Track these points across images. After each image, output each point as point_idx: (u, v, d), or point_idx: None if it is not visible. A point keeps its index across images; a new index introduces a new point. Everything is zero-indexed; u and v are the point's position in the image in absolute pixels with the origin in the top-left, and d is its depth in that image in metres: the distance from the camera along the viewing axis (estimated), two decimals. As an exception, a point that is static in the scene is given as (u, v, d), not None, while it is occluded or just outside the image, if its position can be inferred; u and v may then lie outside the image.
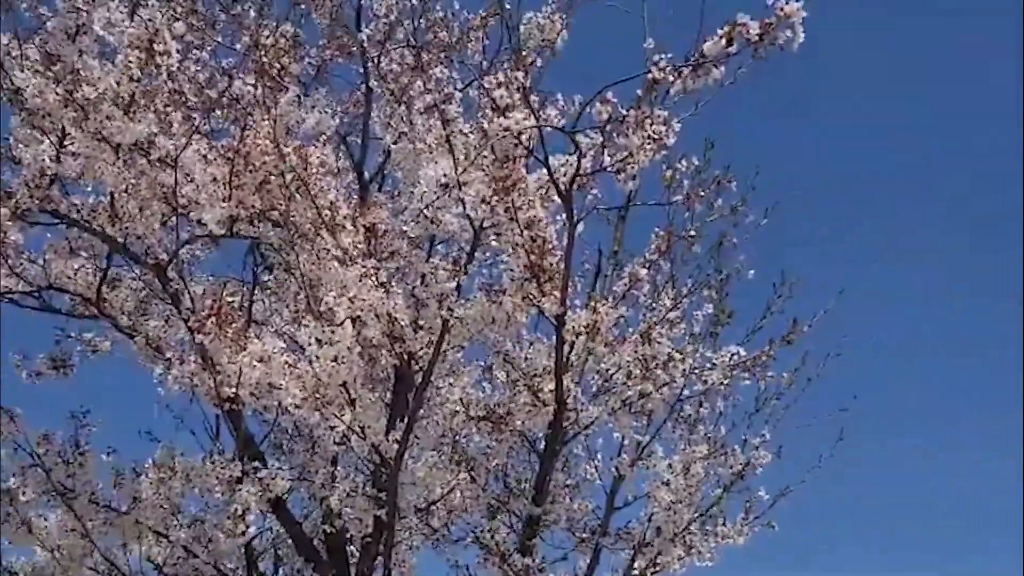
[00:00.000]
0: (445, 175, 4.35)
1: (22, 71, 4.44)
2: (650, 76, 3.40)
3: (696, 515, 5.34)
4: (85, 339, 5.56)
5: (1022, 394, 10.59)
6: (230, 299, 3.98)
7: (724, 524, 5.36)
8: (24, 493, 4.66)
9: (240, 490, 4.27)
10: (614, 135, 3.63)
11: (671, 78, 3.37)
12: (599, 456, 5.49)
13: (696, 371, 4.88)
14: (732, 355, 4.92)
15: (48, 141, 4.62)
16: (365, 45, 5.38)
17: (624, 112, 3.53)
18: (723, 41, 3.23)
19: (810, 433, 5.86)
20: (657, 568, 5.40)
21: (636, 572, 5.33)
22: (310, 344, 3.95)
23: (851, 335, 6.27)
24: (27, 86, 4.44)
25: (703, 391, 5.08)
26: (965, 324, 14.87)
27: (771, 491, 5.64)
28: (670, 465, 5.38)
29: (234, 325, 3.88)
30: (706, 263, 5.12)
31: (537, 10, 5.00)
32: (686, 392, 5.08)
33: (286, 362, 4.06)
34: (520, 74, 3.73)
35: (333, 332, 3.93)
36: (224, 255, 5.71)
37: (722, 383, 5.15)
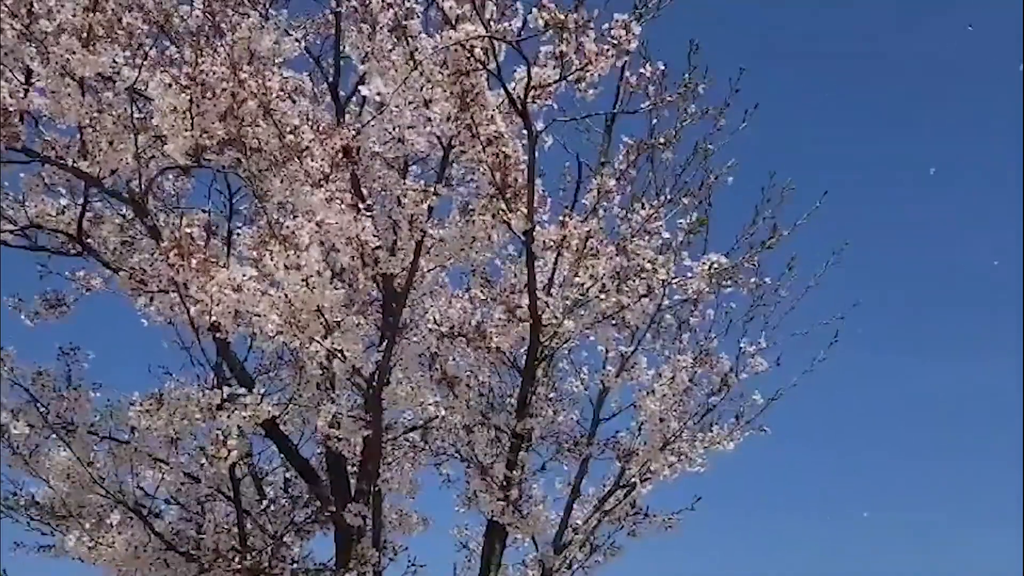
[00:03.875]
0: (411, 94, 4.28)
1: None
2: (587, -22, 3.30)
3: (685, 422, 5.39)
4: (77, 277, 5.64)
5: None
6: (188, 229, 3.96)
7: (712, 430, 5.40)
8: (16, 427, 4.79)
9: (220, 416, 4.35)
10: (566, 41, 3.52)
11: (608, -21, 3.27)
12: (584, 369, 5.53)
13: (676, 281, 4.84)
14: (712, 263, 4.88)
15: (14, 78, 4.61)
16: (331, -37, 5.25)
17: (562, 18, 3.43)
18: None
19: (813, 341, 5.85)
20: (648, 476, 5.48)
21: (626, 481, 5.42)
22: (276, 270, 3.96)
23: (852, 239, 6.19)
24: (-15, 22, 4.40)
25: (683, 300, 5.06)
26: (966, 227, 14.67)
27: (768, 397, 5.70)
28: (659, 374, 5.42)
29: (198, 255, 3.90)
30: (687, 171, 5.05)
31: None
32: (667, 303, 5.06)
33: (258, 289, 4.08)
34: (467, -16, 3.62)
35: (299, 257, 3.93)
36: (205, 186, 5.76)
37: (706, 292, 5.12)
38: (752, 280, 5.07)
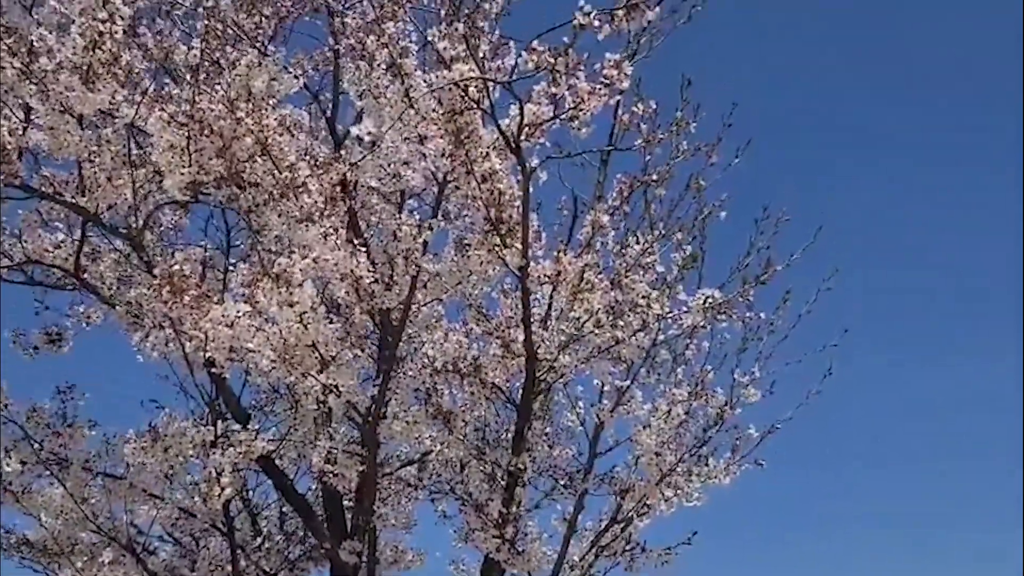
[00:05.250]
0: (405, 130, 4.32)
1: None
2: (575, 22, 3.34)
3: (681, 456, 5.37)
4: (76, 312, 5.65)
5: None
6: (181, 265, 3.97)
7: (708, 464, 5.38)
8: (8, 465, 4.77)
9: (214, 453, 4.34)
10: (556, 82, 3.57)
11: (597, 23, 3.30)
12: (580, 404, 5.52)
13: (671, 315, 4.85)
14: (707, 298, 4.89)
15: (15, 117, 4.65)
16: (330, 1, 5.31)
17: (552, 61, 3.47)
18: (646, -20, 3.16)
19: (806, 370, 5.85)
20: (645, 511, 5.46)
21: (622, 516, 5.39)
22: (270, 306, 3.97)
23: (844, 268, 6.21)
24: (-14, 61, 4.45)
25: (678, 335, 5.06)
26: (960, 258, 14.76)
27: (764, 429, 5.68)
28: (655, 408, 5.41)
29: (192, 291, 3.91)
30: (681, 206, 5.08)
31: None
32: (661, 337, 5.07)
33: (252, 325, 4.09)
34: (460, 25, 3.67)
35: (292, 293, 3.94)
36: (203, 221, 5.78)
37: (700, 326, 5.13)
38: (747, 314, 5.08)
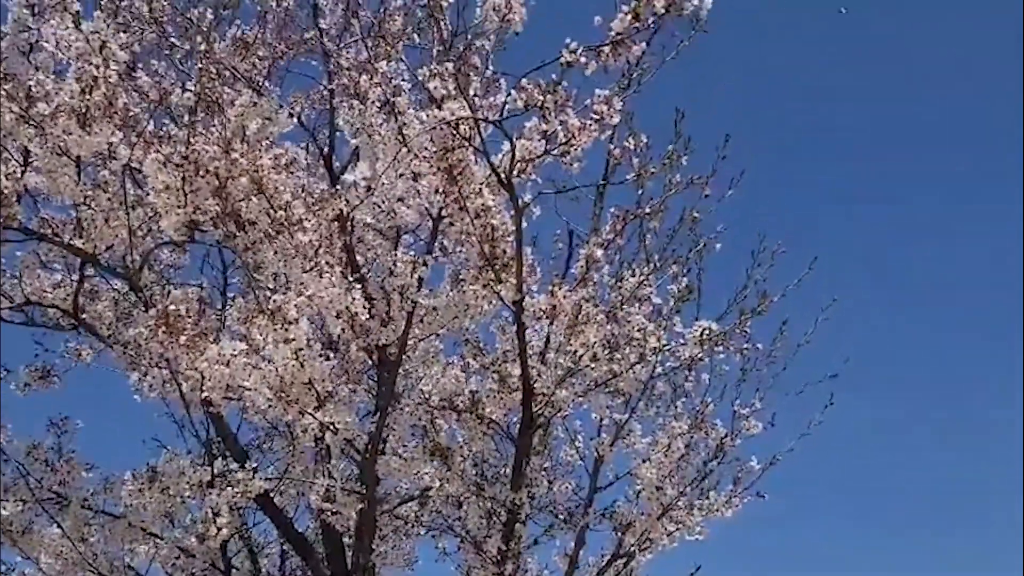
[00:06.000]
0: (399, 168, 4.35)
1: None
2: (562, 60, 3.37)
3: (682, 490, 5.34)
4: (69, 349, 5.66)
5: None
6: (176, 305, 3.99)
7: (709, 496, 5.34)
8: (6, 508, 4.76)
9: (211, 493, 4.33)
10: (546, 119, 3.60)
11: (584, 59, 3.34)
12: (580, 438, 5.50)
13: (668, 348, 4.85)
14: (704, 330, 4.89)
15: (13, 161, 4.70)
16: (324, 40, 5.38)
17: (540, 98, 3.50)
18: (629, 17, 3.18)
19: (806, 401, 5.83)
20: (647, 545, 5.41)
21: (624, 551, 5.34)
22: (265, 344, 3.98)
23: (843, 298, 6.20)
24: (-16, 107, 4.50)
25: (675, 367, 5.05)
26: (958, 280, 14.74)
27: (765, 461, 5.65)
28: (655, 442, 5.39)
29: (187, 331, 3.92)
30: (676, 239, 5.09)
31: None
32: (659, 370, 5.06)
33: (248, 363, 4.10)
34: (450, 64, 3.71)
35: (287, 330, 3.95)
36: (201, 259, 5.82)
37: (699, 358, 5.12)
38: (744, 346, 5.07)
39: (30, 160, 4.69)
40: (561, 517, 5.26)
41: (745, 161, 5.12)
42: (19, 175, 4.63)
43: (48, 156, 4.54)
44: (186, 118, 4.53)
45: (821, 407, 5.64)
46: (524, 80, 3.53)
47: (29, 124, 4.49)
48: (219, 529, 4.26)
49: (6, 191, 4.47)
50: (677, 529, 5.39)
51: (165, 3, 5.12)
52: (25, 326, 5.49)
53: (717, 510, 5.41)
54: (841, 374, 5.71)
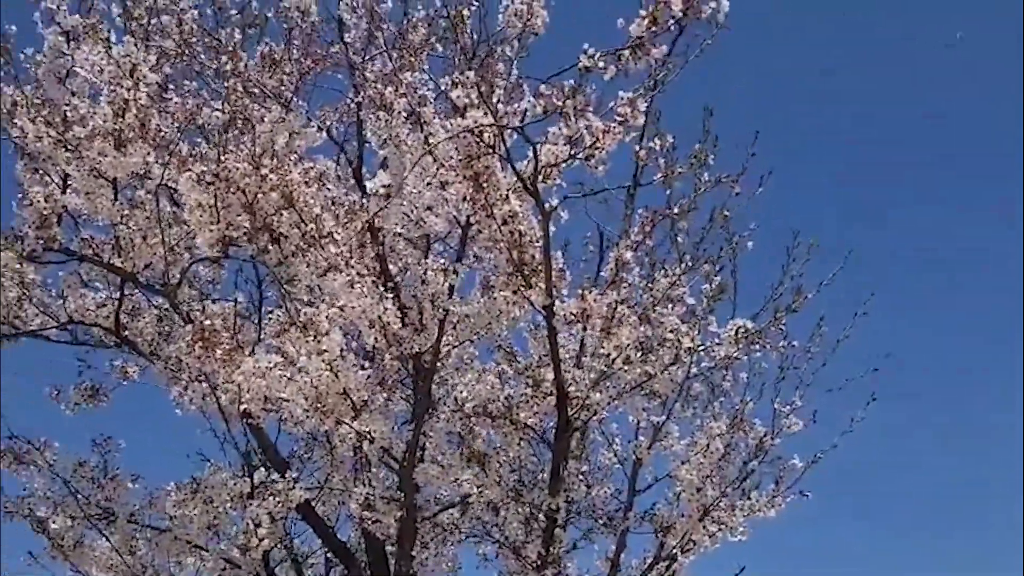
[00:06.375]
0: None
1: (20, 119, 4.63)
2: (580, 65, 3.37)
3: (723, 491, 5.28)
4: (115, 367, 5.78)
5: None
6: (212, 320, 4.06)
7: (751, 497, 5.28)
8: (55, 522, 4.87)
9: (251, 505, 4.39)
10: (567, 123, 3.60)
11: (601, 64, 3.33)
12: (617, 441, 5.48)
13: (702, 348, 4.80)
14: (739, 328, 4.84)
15: (53, 183, 4.83)
16: (349, 54, 5.43)
17: (560, 103, 3.50)
18: (647, 21, 3.17)
19: (848, 396, 5.74)
20: (689, 547, 5.37)
21: (666, 553, 5.30)
22: (299, 356, 4.03)
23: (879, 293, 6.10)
24: (26, 133, 4.63)
25: (711, 368, 5.01)
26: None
27: (807, 459, 5.57)
28: (694, 443, 5.34)
29: (223, 345, 3.98)
30: (708, 238, 5.05)
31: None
32: (694, 370, 5.02)
33: (283, 375, 4.15)
34: (472, 73, 3.73)
35: (319, 342, 4.00)
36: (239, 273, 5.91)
37: (735, 357, 5.07)
38: (780, 343, 5.01)
39: (69, 182, 4.81)
40: (600, 521, 5.24)
41: (776, 159, 5.07)
42: (58, 197, 4.75)
43: (85, 178, 4.66)
44: (217, 136, 4.60)
45: (862, 403, 5.57)
46: (543, 86, 3.54)
47: (66, 148, 4.61)
48: (260, 539, 4.32)
49: (46, 213, 4.58)
50: (719, 530, 5.32)
51: (194, 25, 5.21)
52: (69, 344, 5.62)
53: (759, 510, 5.34)
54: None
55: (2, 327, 5.06)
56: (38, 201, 4.66)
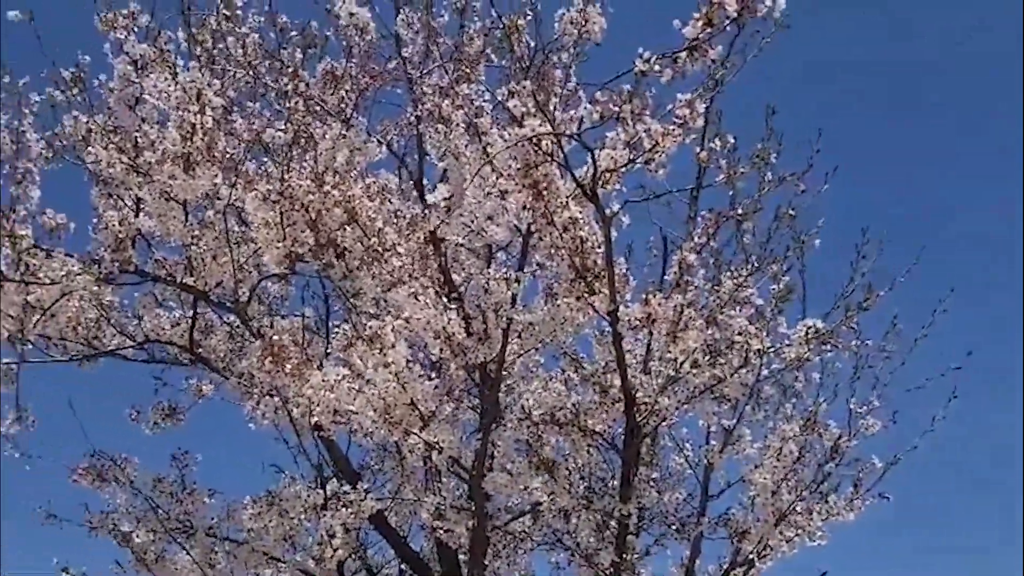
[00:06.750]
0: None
1: (94, 146, 4.80)
2: (636, 69, 3.33)
3: (799, 494, 5.17)
4: (191, 385, 5.94)
5: None
6: (280, 335, 4.14)
7: (828, 500, 5.16)
8: (138, 536, 5.01)
9: (324, 516, 4.45)
10: (624, 128, 3.57)
11: (657, 68, 3.29)
12: (688, 446, 5.40)
13: (772, 350, 4.71)
14: (809, 328, 4.73)
15: (127, 207, 4.99)
16: (407, 68, 5.49)
17: (616, 109, 3.48)
18: (701, 23, 3.13)
19: (930, 395, 5.56)
20: (766, 553, 5.26)
21: (742, 558, 5.21)
22: (367, 368, 4.08)
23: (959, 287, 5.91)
24: (100, 160, 4.80)
25: (781, 369, 4.91)
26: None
27: (886, 461, 5.42)
28: (767, 446, 5.24)
29: (292, 359, 4.06)
30: (774, 238, 4.96)
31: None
32: (765, 372, 4.93)
33: (351, 387, 4.20)
34: (528, 82, 3.73)
35: (385, 354, 4.04)
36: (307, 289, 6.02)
37: (806, 358, 4.96)
38: (853, 343, 4.89)
39: (141, 206, 4.97)
40: (673, 527, 5.17)
41: (846, 152, 4.95)
42: (131, 221, 4.90)
43: (157, 201, 4.81)
44: (282, 155, 4.70)
45: (945, 401, 5.39)
46: (599, 92, 3.52)
47: (138, 172, 4.77)
48: (335, 550, 4.38)
49: (121, 236, 4.73)
50: (796, 535, 5.21)
51: (256, 47, 5.33)
52: (146, 363, 5.79)
53: (838, 513, 5.21)
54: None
55: (82, 348, 5.23)
56: (113, 225, 4.82)
